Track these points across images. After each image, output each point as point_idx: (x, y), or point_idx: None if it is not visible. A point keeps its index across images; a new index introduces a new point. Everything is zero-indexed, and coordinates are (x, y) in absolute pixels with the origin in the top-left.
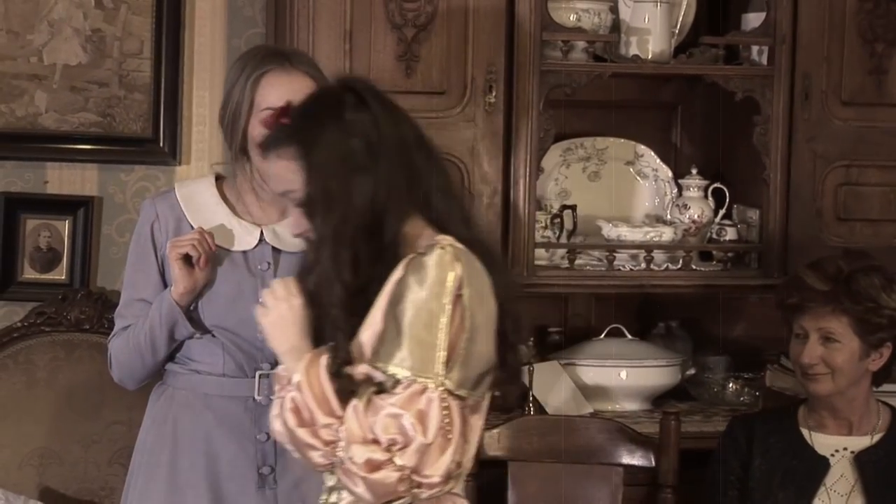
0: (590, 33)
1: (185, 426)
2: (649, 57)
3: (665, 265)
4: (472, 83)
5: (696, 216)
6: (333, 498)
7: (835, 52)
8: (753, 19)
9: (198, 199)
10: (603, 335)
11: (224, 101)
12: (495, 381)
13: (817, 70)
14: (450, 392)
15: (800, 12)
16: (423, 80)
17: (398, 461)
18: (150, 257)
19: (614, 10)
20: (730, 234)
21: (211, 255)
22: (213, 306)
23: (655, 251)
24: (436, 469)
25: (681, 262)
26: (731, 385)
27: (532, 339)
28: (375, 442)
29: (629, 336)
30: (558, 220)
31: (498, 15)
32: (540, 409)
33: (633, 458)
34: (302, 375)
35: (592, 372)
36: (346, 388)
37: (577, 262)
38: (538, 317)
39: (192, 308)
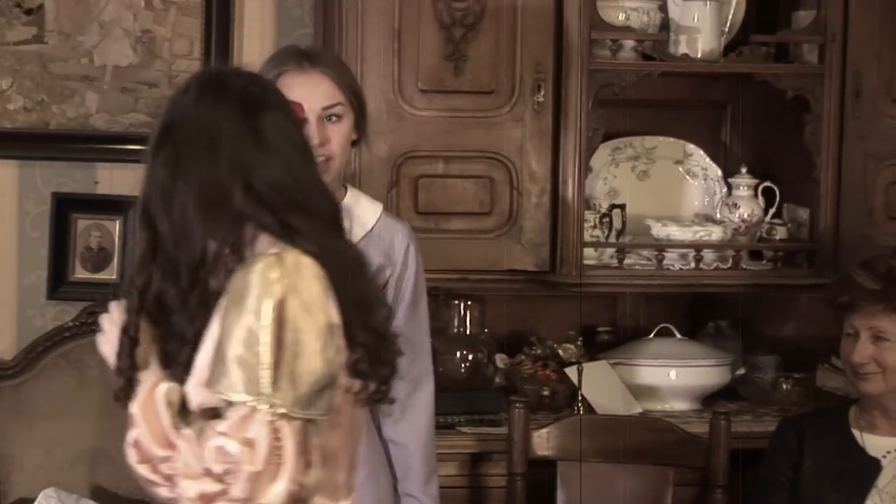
0: (639, 32)
1: None
2: (699, 55)
3: (715, 264)
4: (520, 82)
5: (745, 215)
6: None
7: (886, 49)
8: (804, 17)
9: None
10: (652, 335)
11: None
12: (369, 397)
13: (868, 68)
14: (284, 414)
15: (850, 9)
16: (471, 79)
17: (233, 492)
18: None
19: (663, 8)
20: (780, 233)
21: None
22: None
23: (705, 250)
24: (271, 497)
25: (730, 261)
26: (781, 385)
27: (581, 338)
28: (209, 473)
29: (679, 335)
30: (607, 219)
31: (546, 14)
32: (589, 409)
33: (682, 459)
34: (139, 407)
35: (642, 371)
36: (187, 417)
37: (626, 261)
38: (587, 316)
39: None
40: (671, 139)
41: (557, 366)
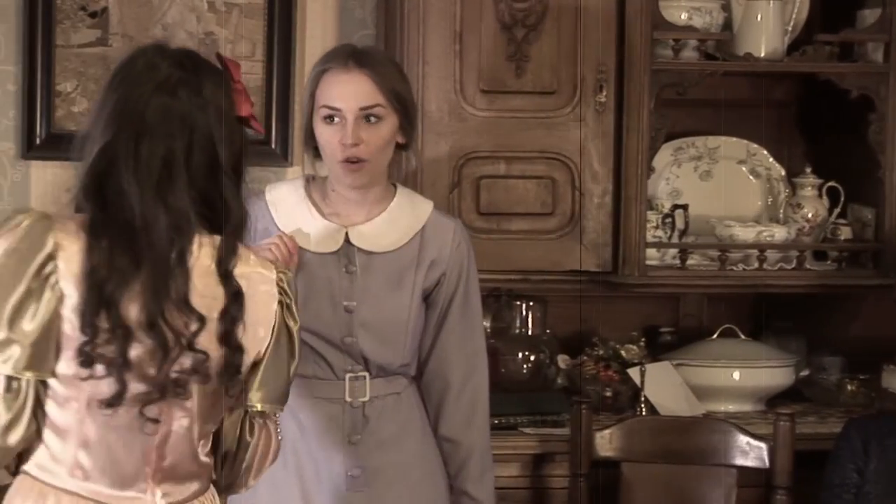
0: (701, 31)
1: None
2: (762, 55)
3: (778, 265)
4: (582, 83)
5: (809, 215)
6: None
7: None
8: (869, 16)
9: (286, 202)
10: (715, 335)
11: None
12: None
13: None
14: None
15: None
16: (533, 79)
17: None
18: None
19: (726, 7)
20: (844, 233)
21: (291, 259)
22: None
23: (769, 251)
24: None
25: (794, 261)
26: (846, 386)
27: (643, 339)
28: None
29: (742, 336)
30: (670, 219)
31: (608, 14)
32: (652, 410)
33: (746, 460)
34: None
35: (705, 372)
36: None
37: (689, 261)
38: (649, 317)
39: None
40: (734, 139)
41: (620, 366)
